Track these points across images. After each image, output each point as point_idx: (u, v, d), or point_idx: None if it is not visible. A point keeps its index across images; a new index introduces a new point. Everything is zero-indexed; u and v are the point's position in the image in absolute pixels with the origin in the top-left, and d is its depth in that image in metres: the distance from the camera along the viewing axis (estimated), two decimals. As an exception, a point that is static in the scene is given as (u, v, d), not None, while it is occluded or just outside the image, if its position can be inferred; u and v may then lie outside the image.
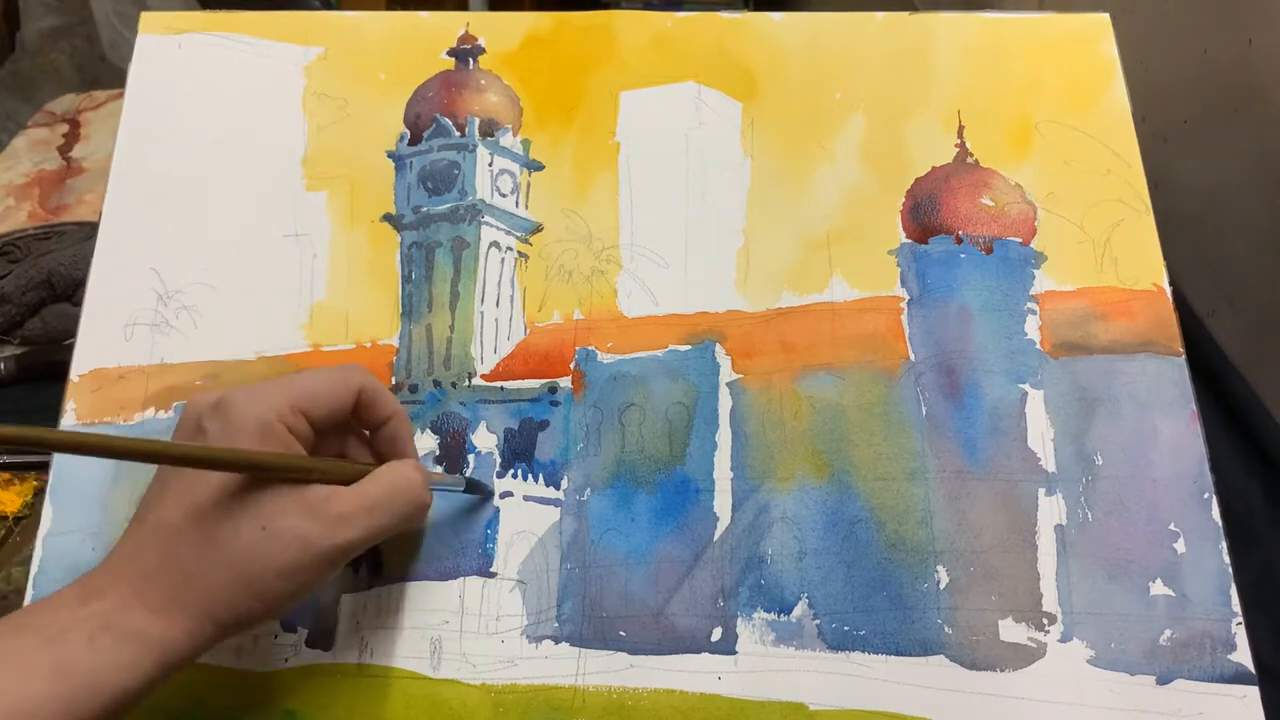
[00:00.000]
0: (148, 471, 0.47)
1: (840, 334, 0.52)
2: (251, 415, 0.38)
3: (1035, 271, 0.54)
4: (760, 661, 0.47)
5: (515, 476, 0.50)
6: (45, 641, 0.35)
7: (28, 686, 0.34)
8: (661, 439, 0.51)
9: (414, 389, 0.52)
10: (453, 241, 0.55)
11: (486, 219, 0.55)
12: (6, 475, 0.67)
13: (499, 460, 0.51)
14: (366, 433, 0.45)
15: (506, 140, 0.58)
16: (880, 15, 0.60)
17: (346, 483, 0.40)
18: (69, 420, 0.51)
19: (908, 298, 0.54)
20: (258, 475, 0.38)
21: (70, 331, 0.55)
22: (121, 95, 0.58)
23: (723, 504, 0.49)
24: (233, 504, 0.38)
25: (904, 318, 0.53)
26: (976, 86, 0.58)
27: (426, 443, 0.51)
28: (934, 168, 0.56)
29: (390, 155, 0.57)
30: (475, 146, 0.57)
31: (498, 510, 0.50)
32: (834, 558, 0.48)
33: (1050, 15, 0.60)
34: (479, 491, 0.49)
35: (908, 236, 0.55)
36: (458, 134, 0.57)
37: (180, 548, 0.37)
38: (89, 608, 0.36)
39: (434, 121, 0.58)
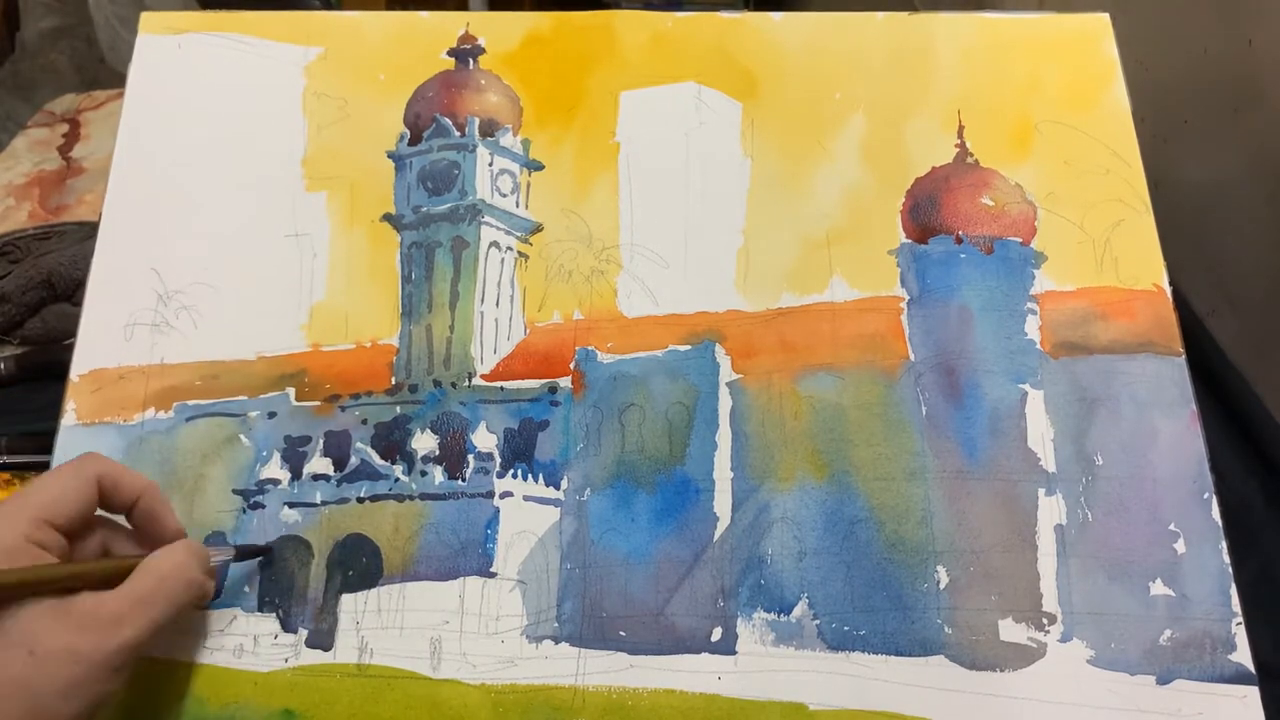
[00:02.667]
0: (149, 469, 0.47)
1: (840, 334, 0.52)
2: None
3: (1035, 271, 0.54)
4: (760, 661, 0.47)
5: (515, 476, 0.50)
6: None
7: None
8: (661, 439, 0.51)
9: (414, 389, 0.52)
10: (453, 241, 0.55)
11: (486, 219, 0.55)
12: (6, 476, 0.67)
13: (499, 460, 0.51)
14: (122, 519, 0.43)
15: (506, 140, 0.58)
16: (880, 15, 0.60)
17: (114, 582, 0.38)
18: (69, 420, 0.51)
19: (908, 298, 0.54)
20: (14, 596, 0.36)
21: (70, 331, 0.55)
22: (121, 95, 0.58)
23: (723, 504, 0.49)
24: None
25: (904, 318, 0.53)
26: (976, 86, 0.58)
27: (426, 443, 0.51)
28: (934, 168, 0.56)
29: (390, 155, 0.57)
30: (475, 146, 0.57)
31: (498, 510, 0.50)
32: (834, 558, 0.48)
33: (1050, 15, 0.60)
34: (254, 555, 0.48)
35: (908, 236, 0.55)
36: (458, 134, 0.57)
37: None
38: None
39: (434, 121, 0.58)
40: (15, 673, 0.35)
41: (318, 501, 0.50)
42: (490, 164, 0.57)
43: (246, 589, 0.48)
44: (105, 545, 0.42)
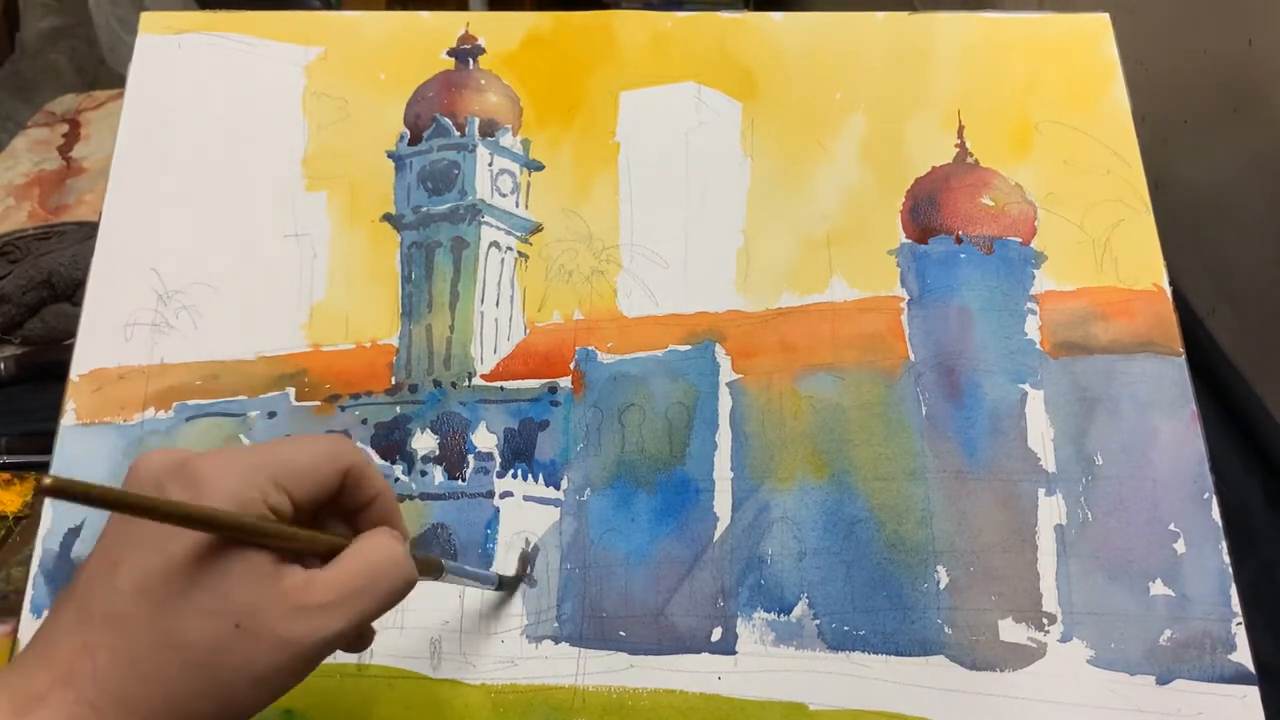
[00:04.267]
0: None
1: (840, 334, 0.52)
2: (226, 487, 0.31)
3: (1035, 271, 0.54)
4: (760, 661, 0.47)
5: (515, 476, 0.50)
6: None
7: None
8: (661, 439, 0.51)
9: (414, 389, 0.52)
10: (453, 241, 0.55)
11: (486, 219, 0.55)
12: (6, 475, 0.67)
13: (499, 460, 0.51)
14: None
15: (506, 140, 0.58)
16: (880, 15, 0.60)
17: (323, 558, 0.34)
18: (69, 420, 0.51)
19: (908, 298, 0.54)
20: (226, 550, 0.31)
21: (70, 331, 0.55)
22: (121, 95, 0.58)
23: (723, 504, 0.49)
24: (198, 593, 0.30)
25: (904, 318, 0.53)
26: (976, 86, 0.58)
27: (426, 443, 0.51)
28: (934, 168, 0.56)
29: (390, 155, 0.57)
30: (475, 146, 0.57)
31: (498, 510, 0.50)
32: (834, 558, 0.48)
33: (1050, 15, 0.60)
34: (511, 586, 0.48)
35: (908, 236, 0.55)
36: (458, 134, 0.57)
37: (136, 644, 0.30)
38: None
39: (434, 121, 0.58)
40: (217, 642, 0.30)
41: (318, 501, 0.50)
42: (490, 164, 0.57)
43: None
44: (320, 528, 0.36)
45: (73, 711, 0.29)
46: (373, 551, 0.34)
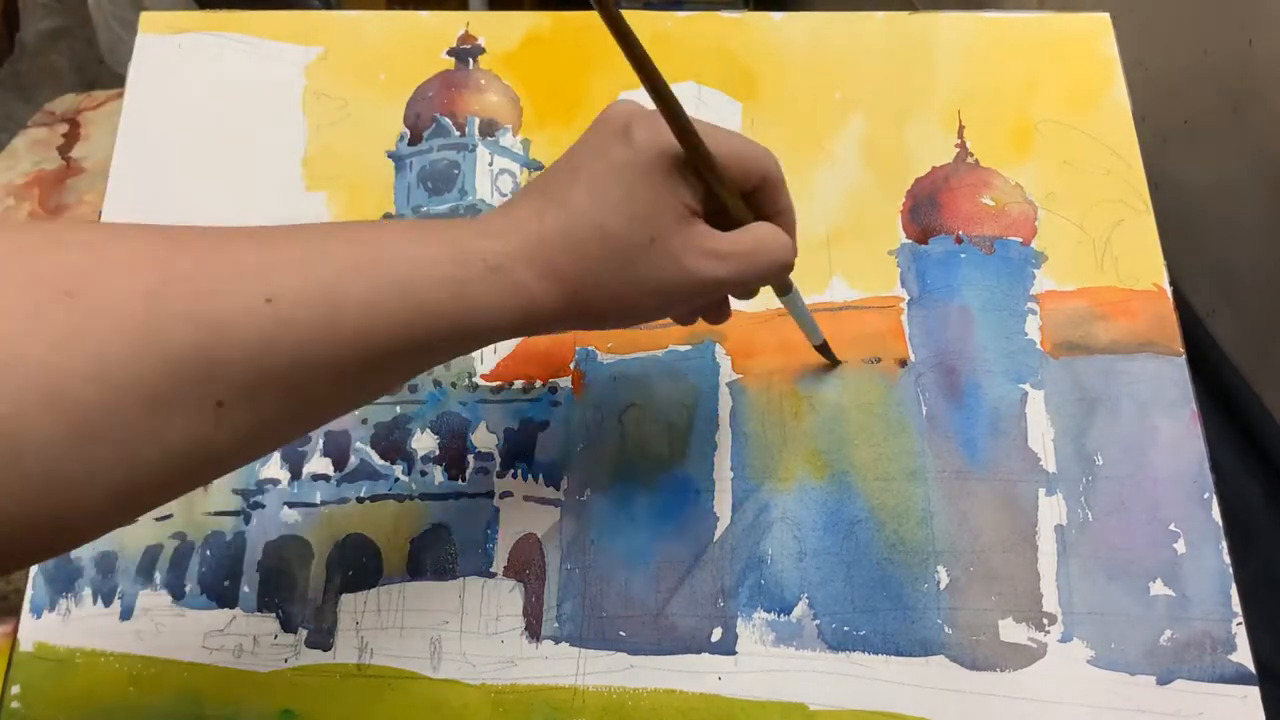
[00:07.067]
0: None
1: (840, 334, 0.52)
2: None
3: (1035, 271, 0.54)
4: (760, 661, 0.47)
5: (515, 476, 0.50)
6: (453, 257, 0.36)
7: (433, 294, 0.35)
8: (661, 439, 0.51)
9: (414, 389, 0.52)
10: (453, 241, 0.55)
11: (486, 219, 0.55)
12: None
13: (499, 460, 0.51)
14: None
15: (506, 140, 0.58)
16: (880, 15, 0.60)
17: (731, 222, 0.41)
18: (69, 420, 0.51)
19: (908, 298, 0.54)
20: (662, 182, 0.38)
21: (70, 331, 0.55)
22: (121, 95, 0.58)
23: (723, 504, 0.49)
24: (631, 204, 0.38)
25: (904, 318, 0.53)
26: (976, 86, 0.58)
27: (426, 443, 0.51)
28: (934, 168, 0.56)
29: (390, 155, 0.57)
30: (475, 146, 0.57)
31: (497, 510, 0.50)
32: (834, 558, 0.48)
33: (1050, 15, 0.60)
34: (829, 356, 0.52)
35: (908, 236, 0.55)
36: (458, 134, 0.57)
37: (575, 224, 0.38)
38: (489, 244, 0.37)
39: (434, 121, 0.58)
40: (634, 248, 0.37)
41: (317, 502, 0.50)
42: (490, 164, 0.57)
43: (246, 588, 0.48)
44: None
45: (517, 251, 0.37)
46: (765, 230, 0.41)
